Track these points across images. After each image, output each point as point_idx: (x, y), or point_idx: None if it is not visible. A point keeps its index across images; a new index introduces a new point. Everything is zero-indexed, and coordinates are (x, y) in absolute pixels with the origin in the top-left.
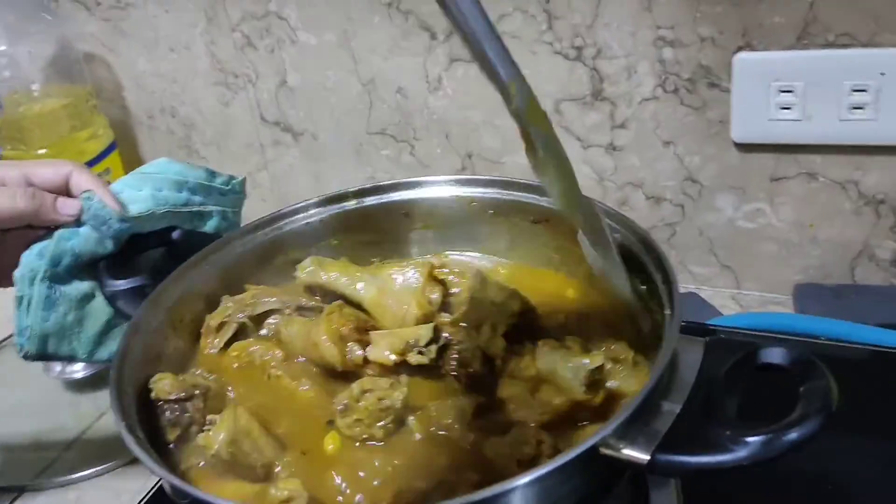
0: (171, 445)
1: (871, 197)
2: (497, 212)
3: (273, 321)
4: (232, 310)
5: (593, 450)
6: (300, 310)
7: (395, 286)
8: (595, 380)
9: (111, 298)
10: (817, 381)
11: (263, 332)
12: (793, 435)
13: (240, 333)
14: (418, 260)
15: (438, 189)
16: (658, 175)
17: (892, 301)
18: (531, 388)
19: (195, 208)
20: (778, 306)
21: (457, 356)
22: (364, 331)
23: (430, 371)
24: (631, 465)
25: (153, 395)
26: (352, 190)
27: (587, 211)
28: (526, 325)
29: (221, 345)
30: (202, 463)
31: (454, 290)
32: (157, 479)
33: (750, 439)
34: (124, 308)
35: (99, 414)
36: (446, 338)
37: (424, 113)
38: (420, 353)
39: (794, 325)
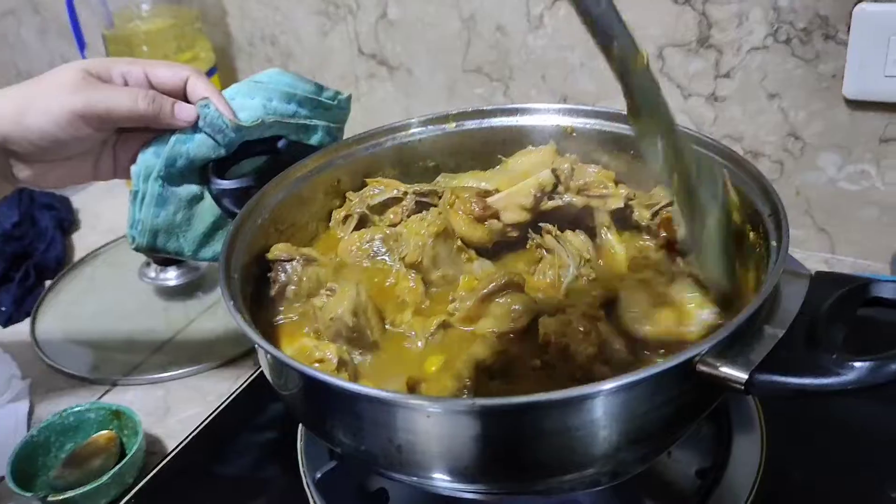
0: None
1: None
2: (597, 143)
3: (393, 212)
4: (355, 203)
5: (689, 364)
6: (418, 195)
7: (521, 168)
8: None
9: (218, 197)
10: None
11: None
12: None
13: (363, 223)
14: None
15: (540, 117)
16: (759, 129)
17: None
18: (652, 299)
19: (301, 121)
20: None
21: None
22: (484, 202)
23: None
24: (728, 384)
25: (269, 255)
26: (453, 112)
27: (687, 184)
28: None
29: (346, 236)
30: (292, 317)
31: None
32: (243, 381)
33: (857, 364)
34: (229, 206)
35: (189, 321)
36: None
37: (522, 52)
38: (551, 198)
39: None
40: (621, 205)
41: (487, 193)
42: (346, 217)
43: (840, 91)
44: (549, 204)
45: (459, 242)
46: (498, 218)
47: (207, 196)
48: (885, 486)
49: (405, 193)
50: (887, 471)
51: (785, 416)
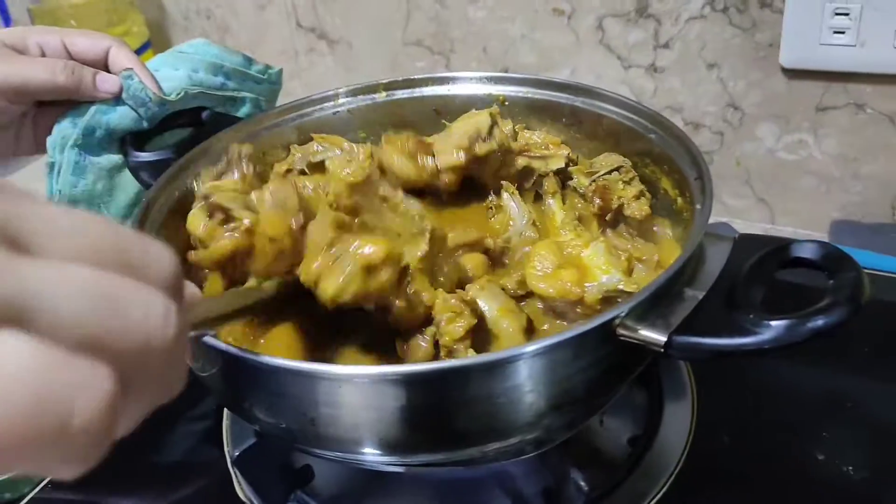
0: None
1: None
2: (530, 111)
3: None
4: (297, 158)
5: (608, 327)
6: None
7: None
8: (614, 297)
9: (135, 169)
10: (848, 273)
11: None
12: (819, 321)
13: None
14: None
15: (471, 86)
16: (699, 100)
17: None
18: (559, 261)
19: (229, 93)
20: None
21: None
22: (419, 138)
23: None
24: (647, 346)
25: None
26: (383, 81)
27: None
28: None
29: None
30: None
31: None
32: None
33: (774, 323)
34: (147, 180)
35: None
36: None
37: (463, 24)
38: (483, 140)
39: None
40: (562, 165)
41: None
42: (287, 171)
43: (777, 60)
44: (483, 146)
45: (383, 190)
46: (433, 156)
47: None
48: (811, 447)
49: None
50: (813, 432)
51: (715, 382)
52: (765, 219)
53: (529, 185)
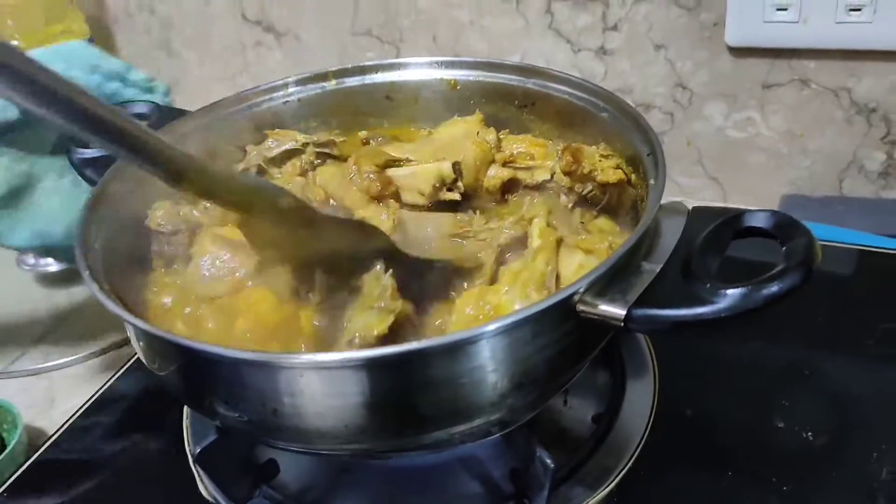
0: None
1: (864, 105)
2: (482, 95)
3: (292, 164)
4: (253, 156)
5: (568, 303)
6: (318, 146)
7: (446, 138)
8: None
9: (79, 166)
10: (799, 239)
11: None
12: (773, 288)
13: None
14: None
15: (422, 71)
16: (648, 81)
17: (878, 213)
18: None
19: (108, 94)
20: None
21: None
22: (386, 174)
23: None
24: (608, 321)
25: (147, 222)
26: (332, 69)
27: None
28: None
29: None
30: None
31: None
32: (123, 365)
33: (730, 291)
34: (93, 176)
35: (72, 307)
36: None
37: (412, 12)
38: (450, 190)
39: None
40: (548, 177)
41: (395, 162)
42: (245, 171)
43: (722, 39)
44: (447, 195)
45: None
46: (397, 198)
47: None
48: (772, 416)
49: (304, 145)
50: (773, 401)
51: (676, 358)
52: (717, 197)
53: (514, 195)
